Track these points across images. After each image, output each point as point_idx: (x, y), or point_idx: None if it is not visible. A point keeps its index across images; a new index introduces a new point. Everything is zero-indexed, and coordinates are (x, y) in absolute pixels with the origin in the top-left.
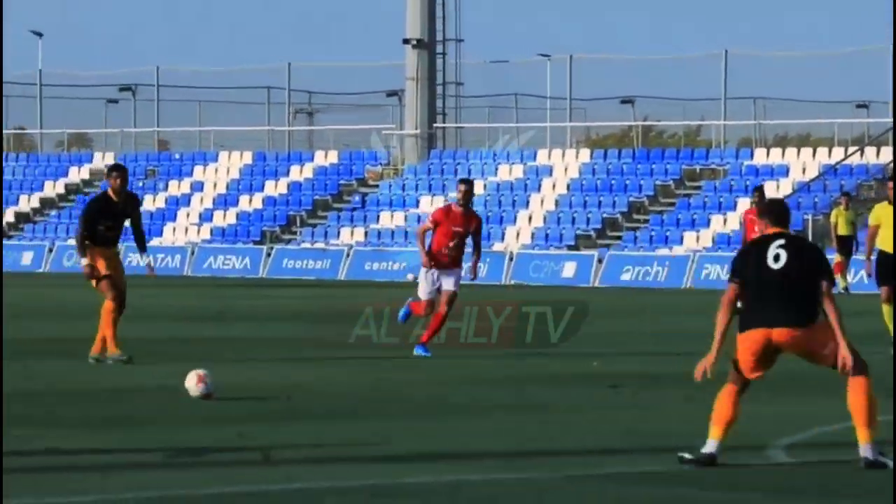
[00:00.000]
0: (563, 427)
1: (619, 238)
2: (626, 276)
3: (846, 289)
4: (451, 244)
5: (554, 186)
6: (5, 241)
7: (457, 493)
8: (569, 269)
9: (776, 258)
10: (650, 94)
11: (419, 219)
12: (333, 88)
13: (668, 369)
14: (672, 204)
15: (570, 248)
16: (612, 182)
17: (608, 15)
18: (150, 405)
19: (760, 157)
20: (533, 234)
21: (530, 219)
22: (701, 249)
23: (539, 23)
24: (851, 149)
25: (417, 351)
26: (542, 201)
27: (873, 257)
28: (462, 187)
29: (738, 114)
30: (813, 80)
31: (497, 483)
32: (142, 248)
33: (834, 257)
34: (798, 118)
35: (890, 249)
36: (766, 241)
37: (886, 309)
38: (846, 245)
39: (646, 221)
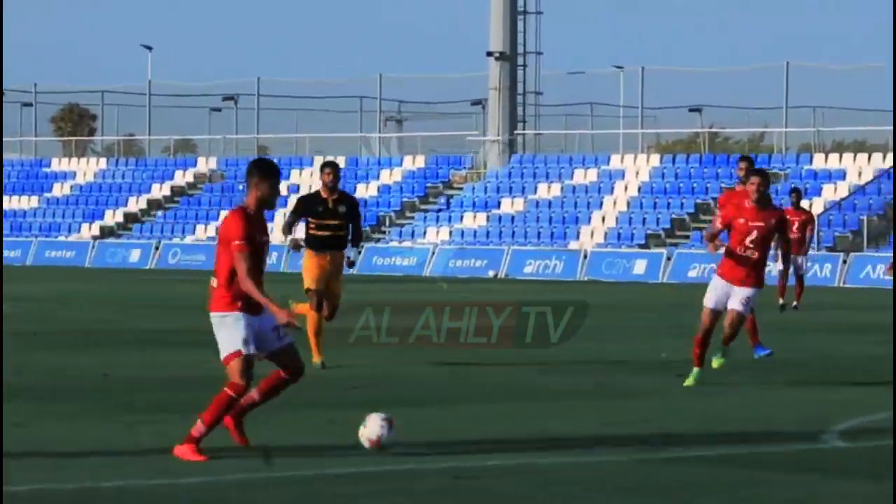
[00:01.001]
0: (634, 413)
1: (686, 237)
2: (692, 273)
3: None
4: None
5: (626, 189)
6: (114, 241)
7: (533, 474)
8: (639, 267)
9: None
10: (716, 102)
11: (500, 219)
12: (421, 98)
13: (733, 359)
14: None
15: (640, 246)
16: (681, 185)
17: (677, 29)
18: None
19: (819, 163)
20: (606, 234)
21: (604, 219)
22: None
23: (613, 37)
24: None
25: (759, 353)
26: (614, 203)
27: None
28: (744, 164)
29: (799, 121)
30: (868, 89)
31: (570, 465)
32: (354, 243)
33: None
34: (854, 126)
35: None
36: None
37: None
38: None
39: (711, 222)
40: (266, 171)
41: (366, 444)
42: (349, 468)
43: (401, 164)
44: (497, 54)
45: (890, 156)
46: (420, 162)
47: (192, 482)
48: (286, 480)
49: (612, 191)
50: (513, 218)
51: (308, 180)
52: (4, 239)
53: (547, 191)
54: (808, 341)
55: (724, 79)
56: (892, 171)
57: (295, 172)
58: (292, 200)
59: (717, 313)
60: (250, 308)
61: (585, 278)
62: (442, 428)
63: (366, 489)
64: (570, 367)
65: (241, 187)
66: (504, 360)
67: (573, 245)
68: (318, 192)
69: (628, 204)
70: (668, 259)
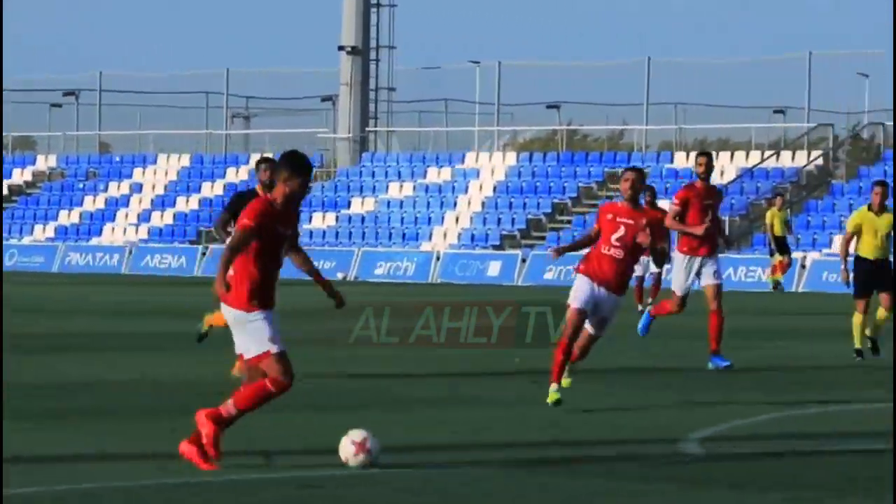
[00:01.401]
0: (489, 420)
1: (542, 238)
2: (548, 276)
3: (778, 286)
4: (707, 219)
5: (481, 188)
6: None
7: (379, 483)
8: (494, 269)
9: None
10: (575, 99)
11: (350, 220)
12: (270, 93)
13: (586, 364)
14: (594, 205)
15: (495, 248)
16: (537, 184)
17: (535, 23)
18: (83, 398)
19: (680, 161)
20: (460, 235)
21: (457, 219)
22: None
23: (469, 31)
24: (768, 153)
25: (716, 362)
26: (469, 202)
27: (850, 265)
28: (703, 160)
29: (660, 119)
30: (732, 86)
31: (416, 475)
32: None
33: (774, 258)
34: (717, 123)
35: (871, 256)
36: None
37: (858, 318)
38: (785, 244)
39: (569, 222)
40: (298, 168)
41: (351, 452)
42: (190, 477)
43: (247, 162)
44: (349, 48)
45: (754, 154)
46: None
47: (26, 492)
48: (129, 490)
49: (466, 190)
50: (363, 218)
51: (152, 179)
52: None
53: (399, 190)
54: (663, 347)
55: (582, 74)
56: (755, 170)
57: (138, 171)
58: (138, 201)
59: (585, 313)
60: (267, 304)
61: (438, 280)
62: (289, 436)
63: (209, 498)
64: (425, 375)
65: (81, 185)
66: (362, 367)
67: (425, 246)
68: (254, 191)
69: (483, 204)
70: (524, 261)
